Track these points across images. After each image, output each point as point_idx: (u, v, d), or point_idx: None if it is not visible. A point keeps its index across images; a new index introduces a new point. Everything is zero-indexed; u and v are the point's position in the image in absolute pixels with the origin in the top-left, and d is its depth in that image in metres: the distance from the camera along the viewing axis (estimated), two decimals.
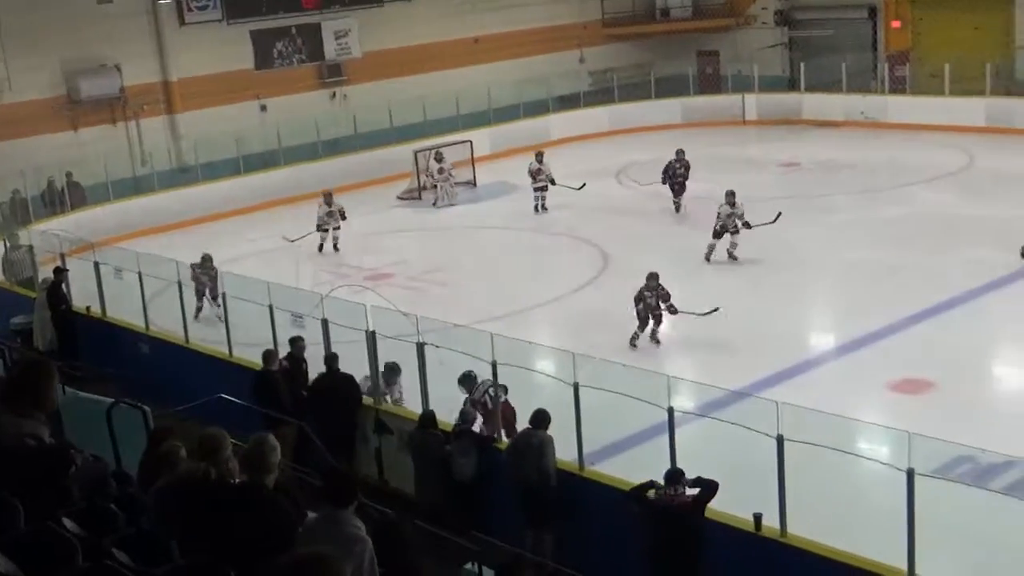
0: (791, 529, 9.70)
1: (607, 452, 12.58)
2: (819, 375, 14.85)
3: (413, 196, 28.38)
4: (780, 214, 20.82)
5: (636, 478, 10.51)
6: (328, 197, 23.25)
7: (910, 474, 8.77)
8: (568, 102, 35.43)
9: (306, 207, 28.08)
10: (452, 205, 27.02)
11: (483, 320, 16.56)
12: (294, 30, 31.66)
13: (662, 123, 34.96)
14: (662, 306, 16.51)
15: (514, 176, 29.70)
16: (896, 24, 35.06)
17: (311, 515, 6.44)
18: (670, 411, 10.43)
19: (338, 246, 23.26)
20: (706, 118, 35.23)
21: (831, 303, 18.84)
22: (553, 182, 25.48)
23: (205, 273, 18.79)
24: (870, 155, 29.77)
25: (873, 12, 35.59)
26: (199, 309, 18.60)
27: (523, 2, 35.33)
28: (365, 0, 32.52)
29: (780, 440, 9.49)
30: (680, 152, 24.44)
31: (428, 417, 11.92)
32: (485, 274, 21.35)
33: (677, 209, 24.41)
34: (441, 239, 24.94)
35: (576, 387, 10.95)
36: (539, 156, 25.81)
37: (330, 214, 23.10)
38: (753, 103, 35.40)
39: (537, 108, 34.31)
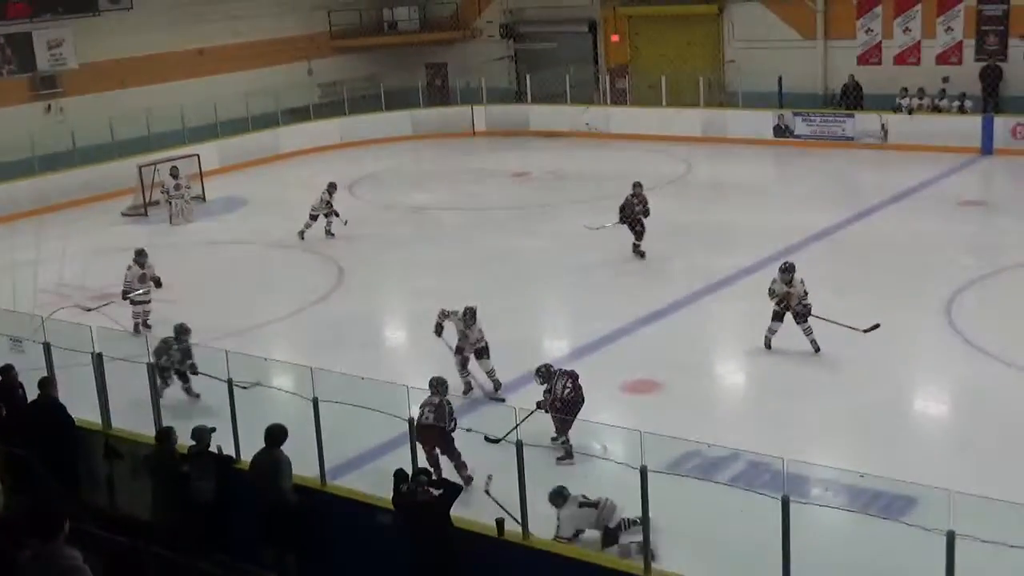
0: (533, 531, 9.88)
1: (351, 465, 12.49)
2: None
3: (139, 212, 27.35)
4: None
5: (379, 490, 10.48)
6: (141, 257, 18.29)
7: (643, 471, 9.08)
8: (298, 115, 35.02)
9: (20, 225, 26.73)
10: (189, 222, 26.20)
11: (217, 337, 16.09)
12: (2, 39, 29.90)
13: (393, 135, 35.11)
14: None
15: (244, 190, 29.18)
16: (615, 38, 36.45)
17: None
18: (410, 422, 10.46)
19: (149, 322, 18.26)
20: (437, 130, 35.60)
21: (562, 309, 19.34)
22: (337, 214, 23.45)
23: (182, 349, 14.71)
24: (596, 165, 30.79)
25: (593, 26, 36.86)
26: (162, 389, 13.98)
27: (248, 14, 34.61)
28: (79, 8, 30.99)
29: (519, 445, 9.65)
30: (637, 186, 21.10)
31: (164, 433, 11.42)
32: (217, 290, 20.78)
33: (641, 255, 20.92)
34: (169, 256, 24.00)
35: (315, 402, 10.81)
36: (331, 188, 23.60)
37: (142, 278, 18.17)
38: (482, 115, 36.00)
39: (266, 121, 33.76)
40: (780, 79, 32.25)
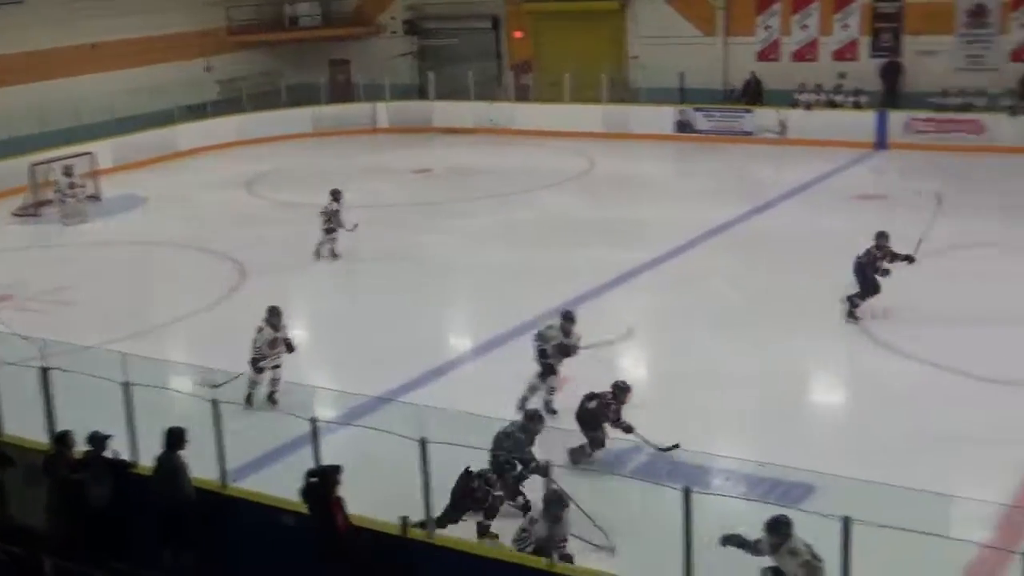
0: (439, 530, 9.82)
1: (252, 467, 12.30)
2: (458, 376, 15.15)
3: (30, 212, 26.67)
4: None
5: (283, 491, 10.34)
6: (275, 318, 14.63)
7: (546, 466, 9.08)
8: (196, 112, 34.49)
9: None
10: (83, 222, 25.60)
11: (114, 340, 15.80)
12: None
13: (294, 132, 34.78)
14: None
15: (141, 189, 28.63)
16: (518, 34, 36.54)
17: None
18: (313, 421, 10.32)
19: (276, 396, 14.47)
20: (339, 127, 35.35)
21: (468, 305, 19.30)
22: (342, 225, 21.23)
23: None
24: (499, 161, 30.85)
25: (496, 23, 36.89)
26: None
27: (143, 9, 33.95)
28: None
29: (423, 442, 9.58)
30: (880, 237, 16.76)
31: (62, 435, 11.09)
32: (114, 292, 20.34)
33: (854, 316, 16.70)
34: (64, 256, 23.55)
35: (215, 403, 10.63)
36: (336, 195, 21.35)
37: (273, 343, 14.60)
38: (385, 111, 35.83)
39: (163, 118, 33.18)
40: (682, 75, 32.60)
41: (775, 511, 8.73)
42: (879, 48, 31.21)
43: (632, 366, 16.17)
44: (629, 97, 33.89)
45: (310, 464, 10.25)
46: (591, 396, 12.20)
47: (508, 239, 22.51)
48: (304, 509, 9.91)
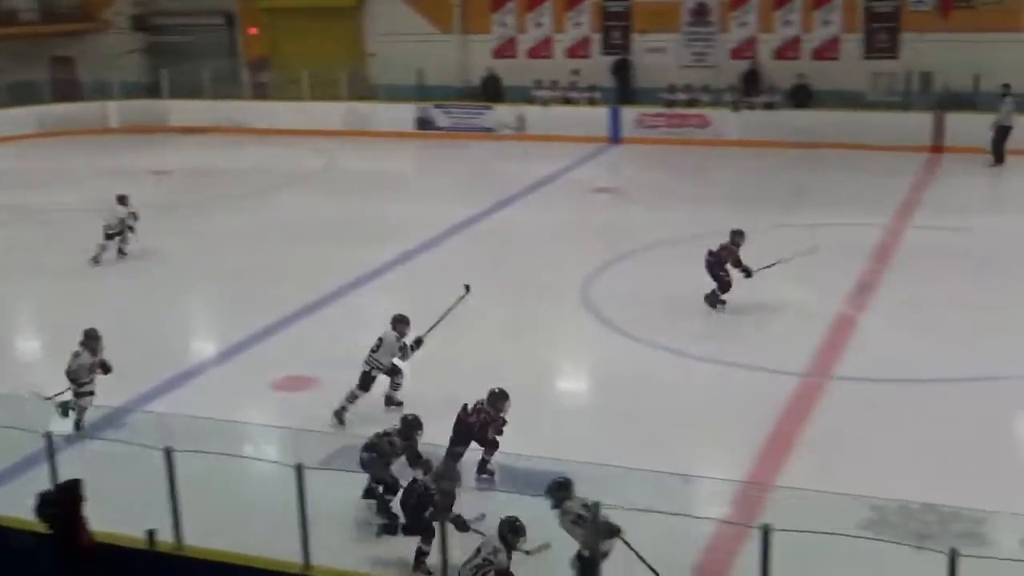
0: (188, 541, 9.52)
1: None
2: (203, 382, 14.73)
3: None
4: None
5: (17, 510, 9.80)
6: (93, 341, 13.29)
7: (299, 469, 8.95)
8: None
9: None
10: None
11: None
12: None
13: (16, 133, 33.07)
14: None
15: None
16: (253, 31, 35.89)
17: None
18: (48, 436, 9.83)
19: (83, 423, 13.14)
20: (66, 127, 33.86)
21: (208, 309, 18.80)
22: (132, 229, 20.48)
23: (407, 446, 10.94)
24: (238, 160, 30.24)
25: (231, 19, 36.11)
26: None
27: None
28: None
29: (168, 451, 9.27)
30: (735, 235, 16.54)
31: None
32: None
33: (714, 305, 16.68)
34: None
35: None
36: (123, 200, 20.53)
37: (92, 367, 13.27)
38: (116, 110, 34.58)
39: None
40: (420, 72, 32.80)
41: (533, 503, 8.91)
42: (610, 46, 32.28)
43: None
44: (369, 94, 33.85)
45: (46, 481, 9.77)
46: (472, 410, 11.88)
47: (251, 240, 22.04)
48: (41, 528, 9.42)
